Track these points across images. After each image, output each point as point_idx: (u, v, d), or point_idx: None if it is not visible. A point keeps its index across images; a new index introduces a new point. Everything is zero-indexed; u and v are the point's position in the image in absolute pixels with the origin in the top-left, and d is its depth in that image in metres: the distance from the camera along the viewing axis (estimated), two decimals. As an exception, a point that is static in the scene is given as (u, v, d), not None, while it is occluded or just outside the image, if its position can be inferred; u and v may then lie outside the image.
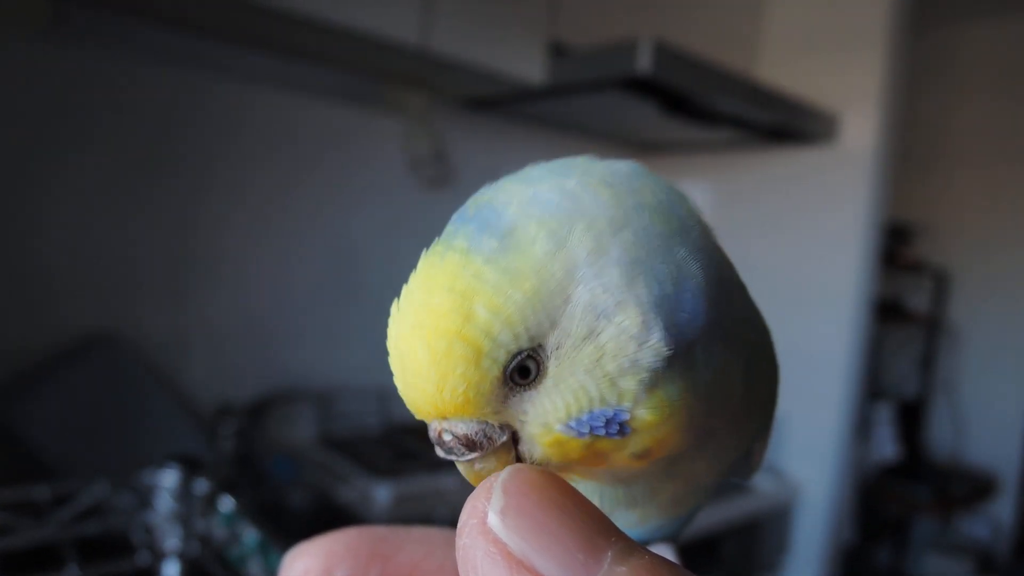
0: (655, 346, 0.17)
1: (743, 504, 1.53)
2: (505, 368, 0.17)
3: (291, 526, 1.08)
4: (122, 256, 1.11)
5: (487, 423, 0.17)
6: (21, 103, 0.99)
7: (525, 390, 0.17)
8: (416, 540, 0.20)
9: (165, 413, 1.06)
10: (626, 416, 0.17)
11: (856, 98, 1.57)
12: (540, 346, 0.17)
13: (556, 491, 0.15)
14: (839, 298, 1.61)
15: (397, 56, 1.11)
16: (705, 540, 1.45)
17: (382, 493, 1.08)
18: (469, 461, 0.17)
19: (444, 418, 0.17)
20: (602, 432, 0.17)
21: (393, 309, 0.18)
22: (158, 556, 0.50)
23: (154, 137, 1.11)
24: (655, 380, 0.17)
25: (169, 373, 1.15)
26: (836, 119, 1.58)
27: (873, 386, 1.98)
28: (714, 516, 1.43)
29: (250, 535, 0.51)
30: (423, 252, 0.19)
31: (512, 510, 0.14)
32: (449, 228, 0.19)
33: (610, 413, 0.17)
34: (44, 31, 0.99)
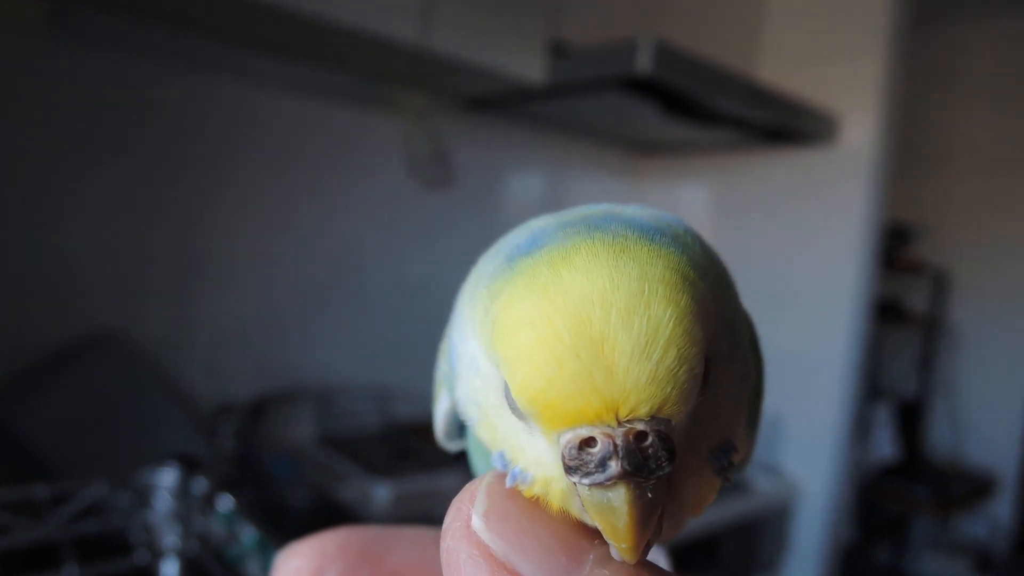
0: (755, 376, 0.17)
1: (742, 504, 1.53)
2: (702, 367, 0.14)
3: (291, 525, 1.08)
4: (122, 257, 1.11)
5: (661, 438, 0.13)
6: (24, 104, 0.99)
7: (699, 398, 0.15)
8: (407, 540, 0.20)
9: (165, 413, 1.06)
10: (734, 451, 0.16)
11: (856, 99, 1.58)
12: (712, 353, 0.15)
13: None
14: (838, 299, 1.61)
15: (397, 56, 1.11)
16: (704, 540, 1.45)
17: (382, 492, 1.08)
18: (657, 479, 0.13)
19: (647, 415, 0.13)
20: (729, 473, 0.16)
21: (551, 286, 0.14)
22: (157, 555, 0.50)
23: (155, 138, 1.11)
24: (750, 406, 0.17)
25: (169, 373, 1.15)
26: (836, 120, 1.58)
27: (872, 386, 1.98)
28: (713, 516, 1.43)
29: (249, 534, 0.51)
30: (537, 249, 0.15)
31: (495, 513, 0.14)
32: (573, 230, 0.15)
33: (733, 444, 0.16)
34: (45, 31, 0.99)
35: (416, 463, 1.18)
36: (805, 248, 1.66)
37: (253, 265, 1.25)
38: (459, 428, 0.23)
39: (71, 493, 0.51)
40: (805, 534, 1.67)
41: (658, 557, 0.22)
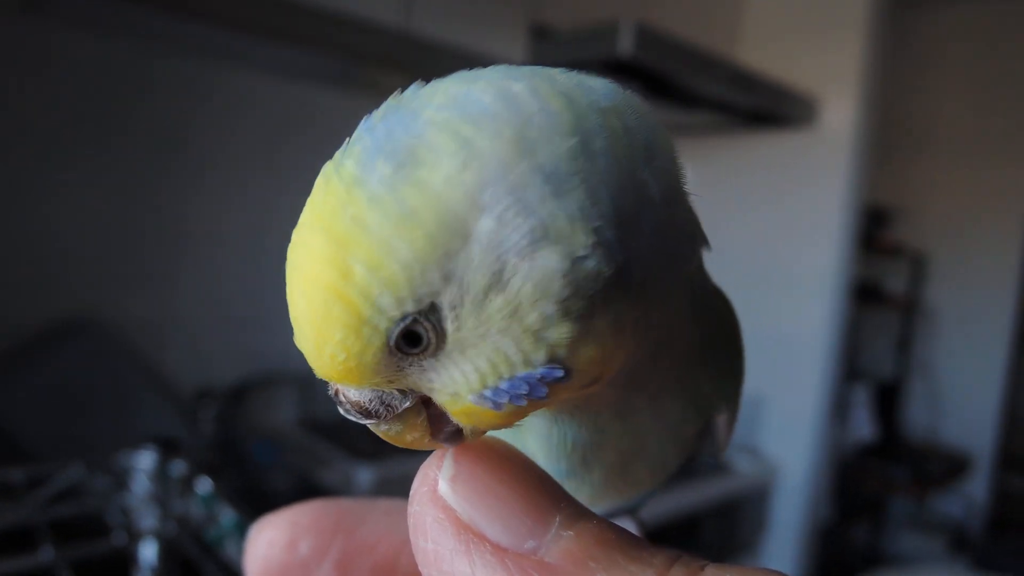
0: (592, 271, 0.13)
1: (722, 484, 1.55)
2: (388, 337, 0.14)
3: (273, 510, 1.08)
4: (103, 240, 1.10)
5: (382, 391, 0.15)
6: (2, 86, 0.97)
7: (423, 358, 0.14)
8: (381, 513, 0.20)
9: (146, 397, 1.05)
10: (559, 372, 0.14)
11: (836, 82, 1.58)
12: (433, 306, 0.13)
13: (507, 459, 0.15)
14: (818, 281, 1.63)
15: (378, 38, 1.10)
16: (685, 520, 1.47)
17: (364, 476, 1.09)
18: (373, 425, 0.16)
19: (339, 382, 0.15)
20: (523, 401, 0.14)
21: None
22: (134, 536, 0.50)
23: (138, 121, 1.10)
24: (594, 310, 0.13)
25: (150, 357, 1.14)
26: (816, 103, 1.59)
27: (851, 368, 2.01)
28: (694, 496, 1.45)
29: (227, 516, 0.51)
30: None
31: (462, 478, 0.14)
32: (354, 136, 0.16)
33: (536, 375, 0.14)
34: (21, 12, 0.97)
35: (399, 447, 1.18)
36: (785, 230, 1.67)
37: (235, 249, 1.24)
38: None
39: (47, 476, 0.51)
40: (784, 514, 1.70)
41: (628, 526, 0.23)
